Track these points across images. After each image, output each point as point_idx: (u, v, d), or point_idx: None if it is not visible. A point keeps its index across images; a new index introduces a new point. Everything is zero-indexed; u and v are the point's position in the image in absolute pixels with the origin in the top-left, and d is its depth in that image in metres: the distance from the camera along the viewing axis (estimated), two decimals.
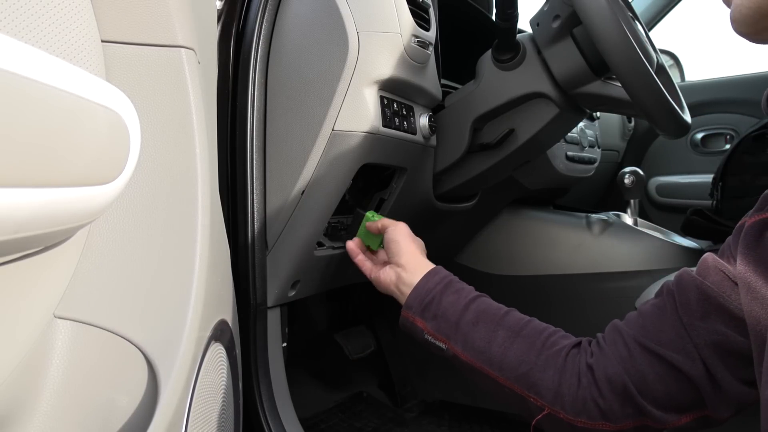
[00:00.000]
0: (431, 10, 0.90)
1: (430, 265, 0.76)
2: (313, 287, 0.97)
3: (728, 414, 0.54)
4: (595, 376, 0.58)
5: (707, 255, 0.55)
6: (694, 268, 0.57)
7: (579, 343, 0.63)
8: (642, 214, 1.72)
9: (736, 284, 0.51)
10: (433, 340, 0.70)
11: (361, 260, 0.83)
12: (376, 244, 0.83)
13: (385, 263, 0.80)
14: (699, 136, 2.06)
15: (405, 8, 0.81)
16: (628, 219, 1.39)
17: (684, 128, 0.87)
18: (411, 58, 0.83)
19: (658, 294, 0.59)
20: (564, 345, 0.63)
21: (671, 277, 0.60)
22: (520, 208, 1.43)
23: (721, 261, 0.53)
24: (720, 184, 1.46)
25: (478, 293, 0.71)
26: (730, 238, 0.54)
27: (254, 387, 0.85)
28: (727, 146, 1.93)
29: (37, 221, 0.30)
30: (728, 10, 0.48)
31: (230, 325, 0.61)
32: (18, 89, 0.26)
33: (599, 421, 0.58)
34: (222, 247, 0.59)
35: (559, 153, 1.33)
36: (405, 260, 0.76)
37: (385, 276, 0.77)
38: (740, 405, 0.53)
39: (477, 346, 0.66)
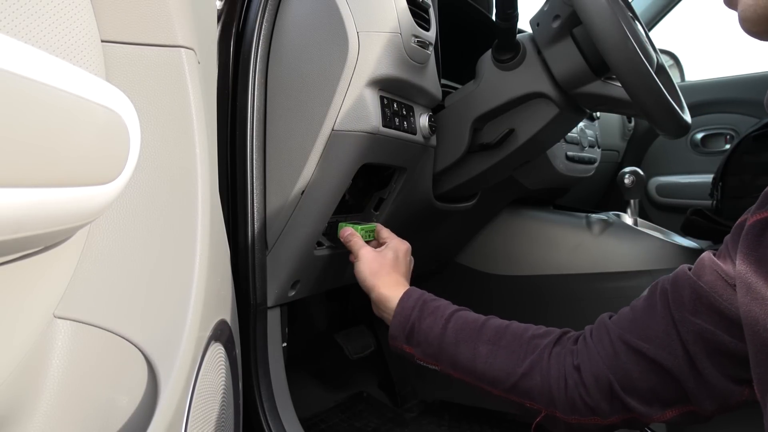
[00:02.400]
0: (431, 10, 0.90)
1: (402, 286, 0.77)
2: (313, 287, 0.97)
3: (713, 408, 0.55)
4: (582, 377, 0.59)
5: (705, 254, 0.56)
6: (692, 265, 0.57)
7: (559, 338, 0.64)
8: (642, 214, 1.72)
9: (729, 284, 0.51)
10: (425, 364, 0.72)
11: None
12: (360, 235, 0.86)
13: None
14: (699, 136, 2.06)
15: (405, 8, 0.81)
16: (628, 219, 1.39)
17: (684, 128, 0.87)
18: (411, 58, 0.83)
19: (651, 290, 0.59)
20: (544, 345, 0.63)
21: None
22: (520, 208, 1.42)
23: (717, 261, 0.53)
24: (720, 184, 1.46)
25: (454, 308, 0.71)
26: (728, 237, 0.54)
27: (254, 387, 0.85)
28: (727, 146, 1.93)
29: (37, 221, 0.30)
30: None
31: (230, 325, 0.61)
32: (18, 89, 0.26)
33: (590, 417, 0.60)
34: (222, 247, 0.59)
35: (559, 153, 1.33)
36: (370, 286, 0.78)
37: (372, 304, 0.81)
38: (725, 401, 0.54)
39: (463, 365, 0.67)
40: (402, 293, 0.75)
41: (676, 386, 0.55)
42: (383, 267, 0.79)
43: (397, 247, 0.83)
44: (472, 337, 0.67)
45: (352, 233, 0.84)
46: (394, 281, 0.78)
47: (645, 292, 0.61)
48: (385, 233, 0.87)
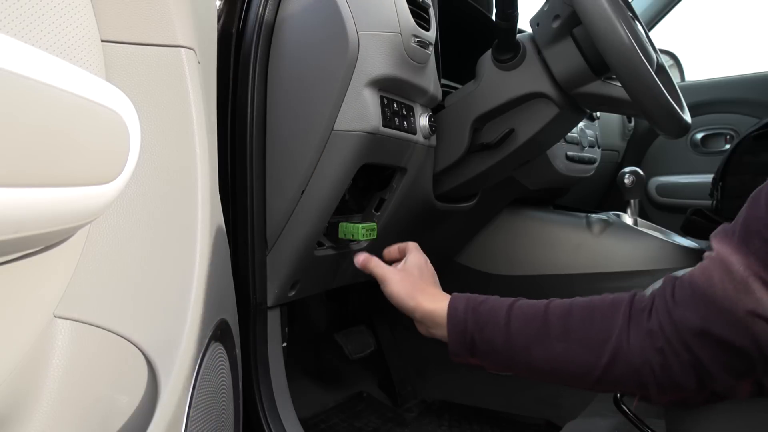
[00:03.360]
0: (431, 10, 0.90)
1: (442, 297, 0.73)
2: (313, 287, 0.97)
3: None
4: (666, 359, 0.58)
5: (710, 264, 0.55)
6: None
7: (630, 316, 0.61)
8: (642, 214, 1.72)
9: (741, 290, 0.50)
10: (499, 372, 0.69)
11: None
12: (360, 234, 0.85)
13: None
14: (699, 136, 2.06)
15: (405, 8, 0.81)
16: (628, 219, 1.39)
17: (684, 128, 0.87)
18: (411, 58, 0.83)
19: (708, 257, 0.57)
20: (619, 328, 0.60)
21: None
22: (520, 208, 1.42)
23: (728, 270, 0.52)
24: (720, 184, 1.46)
25: (507, 306, 0.67)
26: (741, 220, 0.52)
27: (254, 387, 0.85)
28: (727, 146, 1.93)
29: (37, 221, 0.30)
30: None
31: (230, 325, 0.61)
32: (18, 89, 0.26)
33: (681, 394, 0.60)
34: (222, 247, 0.59)
35: (559, 153, 1.33)
36: (412, 307, 0.74)
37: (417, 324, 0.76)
38: None
39: (540, 370, 0.64)
40: (447, 305, 0.70)
41: (748, 360, 0.54)
42: (415, 285, 0.75)
43: (418, 262, 0.79)
44: (540, 338, 0.64)
45: (366, 258, 0.79)
46: (431, 295, 0.74)
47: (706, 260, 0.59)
48: (395, 252, 0.83)
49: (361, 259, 0.80)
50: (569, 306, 0.65)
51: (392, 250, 0.83)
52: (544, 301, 0.67)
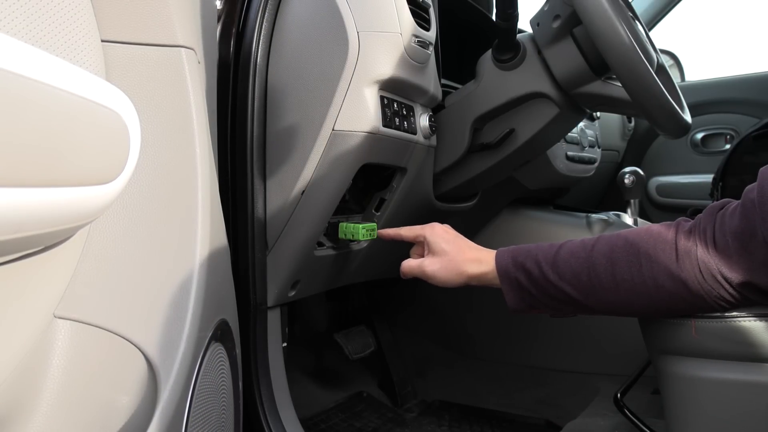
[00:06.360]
0: (431, 10, 0.90)
1: (477, 260, 0.74)
2: (314, 287, 0.97)
3: None
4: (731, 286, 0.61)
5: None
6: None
7: (677, 252, 0.63)
8: (642, 214, 1.72)
9: None
10: (563, 316, 0.71)
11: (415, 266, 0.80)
12: (361, 234, 0.85)
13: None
14: (699, 136, 2.06)
15: (405, 8, 0.81)
16: (628, 219, 1.39)
17: (684, 128, 0.87)
18: (411, 58, 0.83)
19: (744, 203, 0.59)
20: (671, 284, 0.62)
21: None
22: (520, 208, 1.42)
23: None
24: (720, 184, 1.46)
25: (552, 253, 0.68)
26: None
27: (254, 387, 0.85)
28: (727, 146, 1.93)
29: (37, 221, 0.30)
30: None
31: (230, 325, 0.61)
32: (18, 89, 0.26)
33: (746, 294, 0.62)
34: (222, 247, 0.59)
35: (559, 153, 1.33)
36: (459, 281, 0.76)
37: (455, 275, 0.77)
38: None
39: (604, 311, 0.67)
40: (494, 265, 0.72)
41: None
42: (454, 261, 0.76)
43: (441, 237, 0.78)
44: (593, 290, 0.65)
45: (406, 268, 0.80)
46: (473, 260, 0.75)
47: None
48: (411, 235, 0.82)
49: (405, 270, 0.80)
50: (611, 261, 0.65)
51: (412, 235, 0.82)
52: (588, 247, 0.67)
